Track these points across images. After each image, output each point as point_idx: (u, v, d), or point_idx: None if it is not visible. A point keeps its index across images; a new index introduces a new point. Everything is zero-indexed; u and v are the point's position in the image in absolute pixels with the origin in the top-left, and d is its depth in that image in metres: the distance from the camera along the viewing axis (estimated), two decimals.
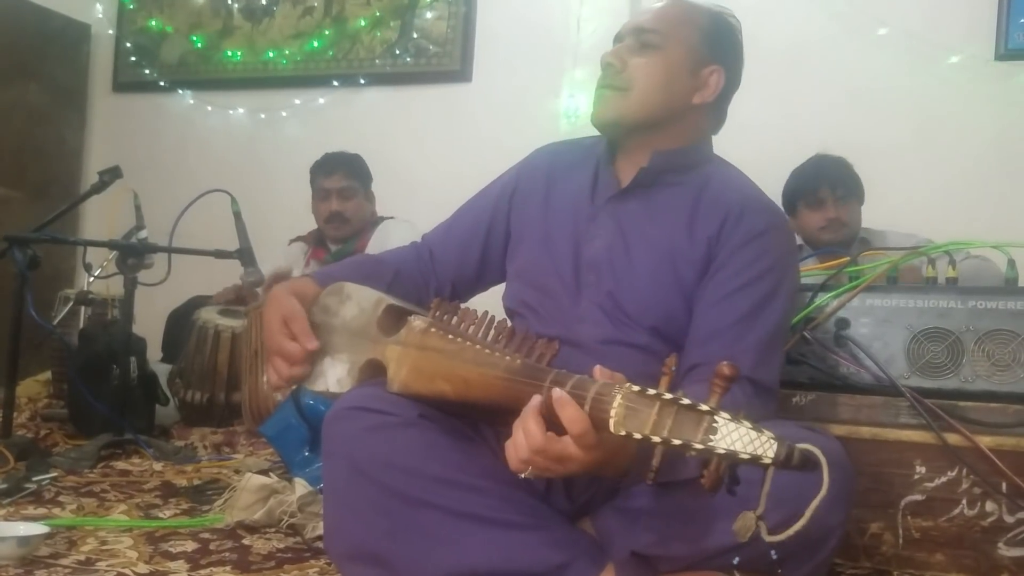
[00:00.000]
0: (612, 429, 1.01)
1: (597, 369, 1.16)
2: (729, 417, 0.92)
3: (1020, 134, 3.31)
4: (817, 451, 0.90)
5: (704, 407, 0.94)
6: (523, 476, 1.18)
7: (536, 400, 1.16)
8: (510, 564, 1.31)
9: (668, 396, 0.98)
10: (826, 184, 2.81)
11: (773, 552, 0.97)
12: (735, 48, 1.60)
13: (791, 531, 0.93)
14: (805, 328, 1.77)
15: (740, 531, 0.94)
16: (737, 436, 0.90)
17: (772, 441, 0.89)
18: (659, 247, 1.50)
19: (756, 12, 3.48)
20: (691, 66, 1.53)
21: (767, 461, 0.89)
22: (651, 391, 1.00)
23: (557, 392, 1.13)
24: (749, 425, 0.91)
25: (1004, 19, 3.33)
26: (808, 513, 0.92)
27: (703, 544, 1.28)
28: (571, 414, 1.11)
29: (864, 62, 3.49)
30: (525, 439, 1.15)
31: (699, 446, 0.92)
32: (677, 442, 0.94)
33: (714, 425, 0.92)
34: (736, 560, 0.97)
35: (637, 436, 0.97)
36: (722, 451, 0.91)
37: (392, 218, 3.47)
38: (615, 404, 1.02)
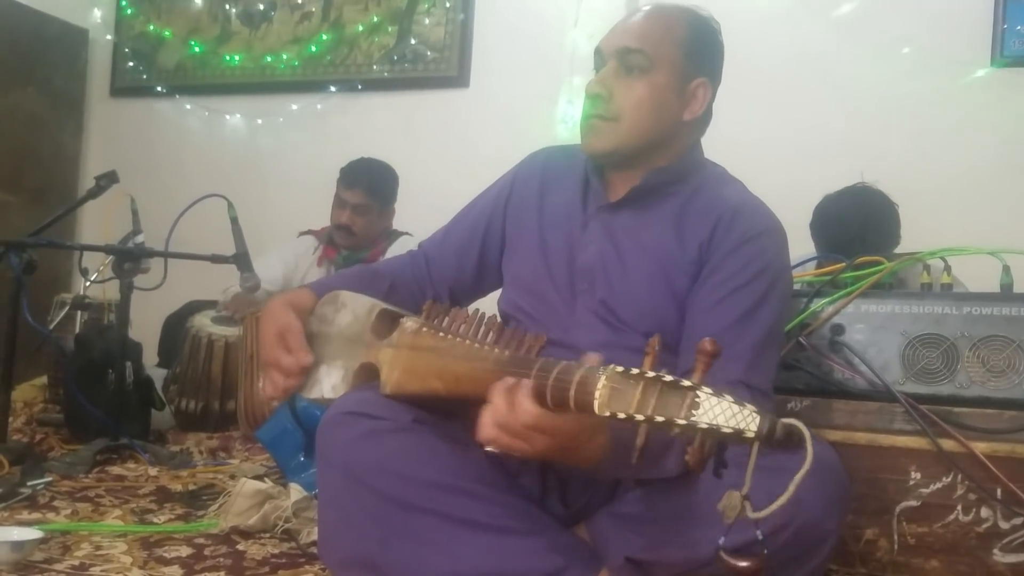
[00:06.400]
0: (597, 411, 1.01)
1: (590, 356, 1.16)
2: (711, 392, 0.92)
3: (1016, 140, 3.32)
4: (800, 424, 0.89)
5: (687, 383, 0.94)
6: (488, 450, 1.18)
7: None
8: (505, 570, 1.31)
9: (651, 374, 0.98)
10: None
11: (759, 533, 0.96)
12: (717, 53, 1.58)
13: (775, 506, 0.92)
14: (801, 334, 1.77)
15: (726, 510, 0.94)
16: (720, 410, 0.90)
17: (755, 415, 0.89)
18: (651, 254, 1.50)
19: (755, 24, 3.52)
20: (678, 85, 1.51)
21: (750, 434, 0.89)
22: (635, 370, 1.00)
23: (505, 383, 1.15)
24: (731, 399, 0.90)
25: (1000, 26, 3.34)
26: (792, 487, 0.91)
27: (697, 550, 1.28)
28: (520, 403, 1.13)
29: (862, 70, 3.50)
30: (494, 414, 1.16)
31: (682, 422, 0.92)
32: (660, 419, 0.94)
33: (696, 400, 0.92)
34: (722, 540, 0.96)
35: (622, 416, 0.97)
36: (705, 426, 0.91)
37: (409, 235, 3.46)
38: (599, 386, 1.02)
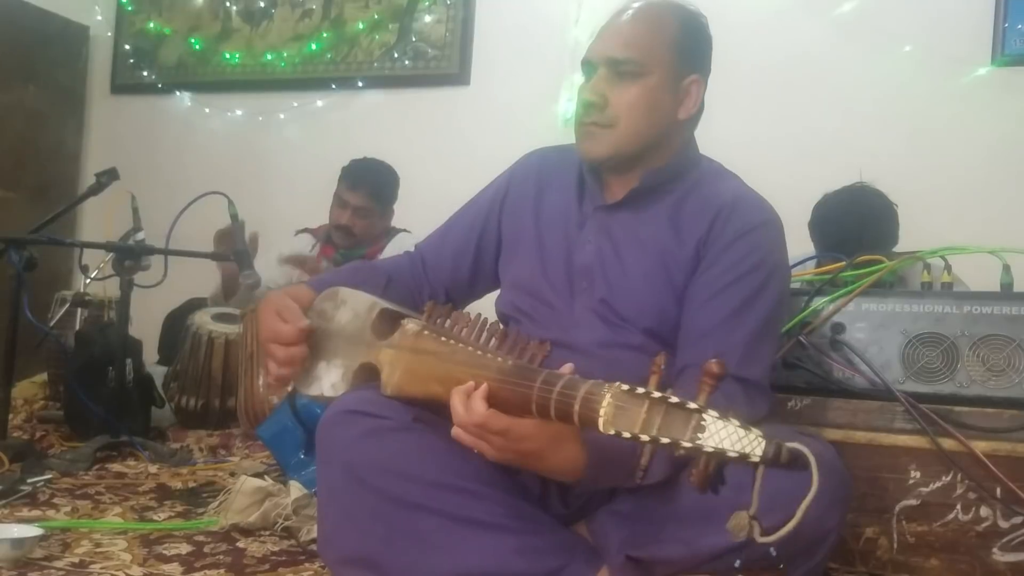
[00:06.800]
0: (601, 428, 1.02)
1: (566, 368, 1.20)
2: (717, 415, 0.92)
3: (1016, 139, 3.31)
4: (805, 449, 0.90)
5: (693, 405, 0.94)
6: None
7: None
8: (505, 568, 1.31)
9: (657, 395, 0.98)
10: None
11: (772, 549, 0.97)
12: (707, 47, 1.57)
13: (783, 531, 0.93)
14: (801, 332, 1.77)
15: (734, 531, 0.95)
16: (725, 434, 0.91)
17: (760, 439, 0.90)
18: (649, 251, 1.50)
19: (755, 23, 3.52)
20: (671, 85, 1.50)
21: (755, 459, 0.89)
22: (640, 389, 1.00)
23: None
24: (737, 423, 0.91)
25: (1001, 25, 3.33)
26: (799, 513, 0.92)
27: (698, 547, 1.29)
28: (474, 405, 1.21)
29: (862, 69, 3.49)
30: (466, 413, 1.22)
31: (687, 444, 0.92)
32: (666, 440, 0.94)
33: (702, 423, 0.92)
34: (738, 563, 0.97)
35: (626, 435, 0.98)
36: (710, 449, 0.91)
37: (407, 231, 3.45)
38: (604, 403, 1.02)
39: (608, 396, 1.02)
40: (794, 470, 0.90)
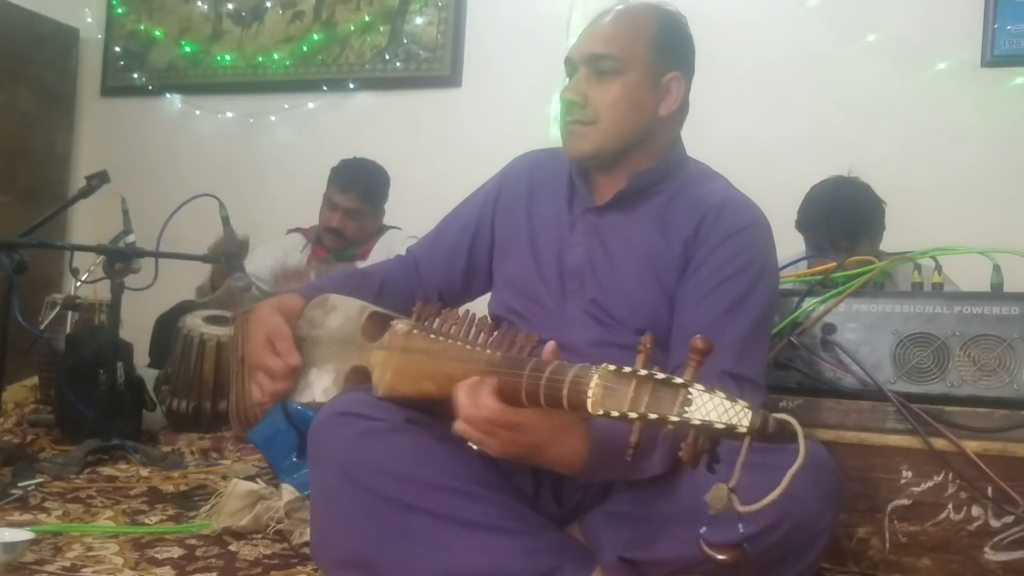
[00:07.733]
0: (590, 409, 1.02)
1: (549, 347, 1.19)
2: (703, 388, 0.93)
3: (1007, 140, 3.33)
4: (792, 420, 0.90)
5: (679, 380, 0.95)
6: (470, 446, 1.23)
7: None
8: (499, 569, 1.31)
9: (643, 372, 0.98)
10: (840, 238, 2.61)
11: (741, 526, 0.97)
12: (688, 46, 1.58)
13: (767, 500, 0.92)
14: (792, 333, 1.78)
15: (713, 502, 0.94)
16: (712, 407, 0.91)
17: (747, 410, 0.90)
18: (639, 251, 1.51)
19: (746, 23, 3.53)
20: (651, 81, 1.52)
21: (742, 430, 0.90)
22: (627, 369, 1.00)
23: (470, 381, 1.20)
24: (723, 395, 0.91)
25: (990, 25, 3.35)
26: (784, 481, 0.91)
27: (690, 548, 1.28)
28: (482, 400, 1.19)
29: (853, 69, 3.50)
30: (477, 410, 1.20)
31: (675, 419, 0.93)
32: (654, 416, 0.94)
33: (689, 397, 0.93)
34: (703, 529, 0.96)
35: (615, 414, 0.98)
36: (697, 422, 0.91)
37: (398, 228, 3.45)
38: (592, 384, 1.03)
39: (596, 377, 1.03)
40: (781, 441, 0.90)
